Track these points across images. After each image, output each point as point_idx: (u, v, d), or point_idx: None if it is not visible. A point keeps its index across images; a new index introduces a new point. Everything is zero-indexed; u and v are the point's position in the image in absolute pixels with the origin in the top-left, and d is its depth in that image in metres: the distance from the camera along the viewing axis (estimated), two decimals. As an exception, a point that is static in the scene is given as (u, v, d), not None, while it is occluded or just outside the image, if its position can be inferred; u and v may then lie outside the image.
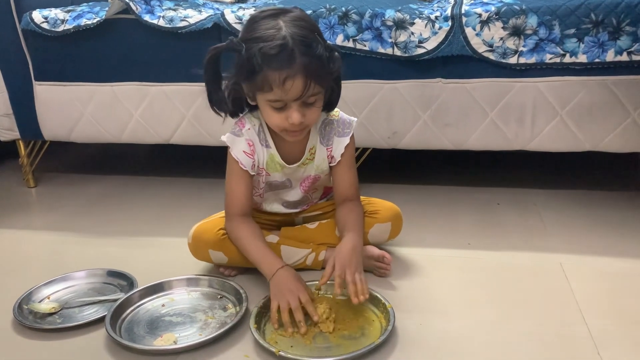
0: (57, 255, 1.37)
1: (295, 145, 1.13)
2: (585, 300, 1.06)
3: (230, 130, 1.14)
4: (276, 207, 1.25)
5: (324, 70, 0.98)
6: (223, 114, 1.11)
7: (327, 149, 1.15)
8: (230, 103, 1.10)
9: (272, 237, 1.18)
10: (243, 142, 1.11)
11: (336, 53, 1.02)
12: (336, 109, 1.16)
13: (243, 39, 0.99)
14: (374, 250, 1.17)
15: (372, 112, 1.52)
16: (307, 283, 1.07)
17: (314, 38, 0.97)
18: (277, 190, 1.21)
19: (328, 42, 1.02)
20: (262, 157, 1.13)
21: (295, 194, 1.22)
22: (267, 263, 1.05)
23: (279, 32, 0.94)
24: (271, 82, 0.95)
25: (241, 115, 1.14)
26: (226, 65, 1.06)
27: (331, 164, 1.17)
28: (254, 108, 1.12)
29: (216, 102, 1.09)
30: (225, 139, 1.13)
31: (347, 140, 1.14)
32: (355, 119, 1.17)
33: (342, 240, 1.07)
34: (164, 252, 1.34)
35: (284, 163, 1.14)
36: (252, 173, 1.13)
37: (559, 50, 1.37)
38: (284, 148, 1.14)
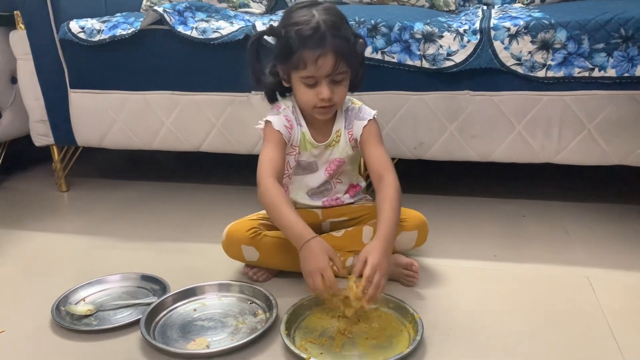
0: (89, 258, 1.41)
1: (324, 125, 1.23)
2: (613, 314, 1.06)
3: (268, 114, 1.23)
4: (301, 196, 1.29)
5: (351, 51, 1.12)
6: (260, 88, 1.24)
7: (348, 132, 1.24)
8: (269, 83, 1.22)
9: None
10: (282, 118, 1.21)
11: (361, 40, 1.17)
12: (359, 101, 1.27)
13: (282, 25, 1.13)
14: (402, 259, 1.19)
15: (399, 122, 1.54)
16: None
17: (342, 24, 1.11)
18: (303, 175, 1.27)
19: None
20: (296, 133, 1.22)
21: (319, 178, 1.27)
22: (297, 232, 1.05)
23: (313, 18, 1.08)
24: (306, 60, 1.08)
25: (276, 102, 1.26)
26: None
27: (354, 147, 1.24)
28: (285, 95, 1.26)
29: (255, 74, 1.21)
30: (265, 119, 1.21)
31: (364, 122, 1.22)
32: (375, 111, 1.25)
33: (374, 238, 1.06)
34: (195, 258, 1.37)
35: (314, 141, 1.23)
36: (286, 140, 1.20)
37: (587, 64, 1.38)
38: (313, 127, 1.24)
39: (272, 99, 1.26)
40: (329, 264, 1.01)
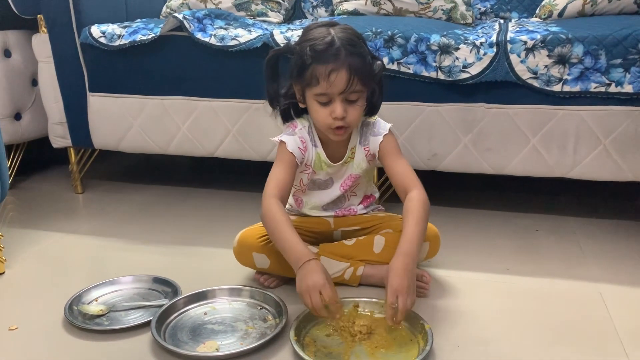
0: (103, 259, 1.43)
1: (339, 145, 1.23)
2: (626, 331, 1.05)
3: (283, 132, 1.22)
4: (314, 209, 1.30)
5: (366, 69, 1.10)
6: (274, 109, 1.24)
7: (364, 148, 1.23)
8: (283, 103, 1.22)
9: (311, 249, 1.21)
10: (297, 139, 1.20)
11: (379, 61, 1.15)
12: (374, 116, 1.24)
13: (298, 42, 1.14)
14: (413, 270, 1.19)
15: (413, 133, 1.55)
16: (345, 299, 1.09)
17: (359, 42, 1.11)
18: (318, 191, 1.28)
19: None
20: (311, 154, 1.21)
21: (334, 193, 1.28)
22: (296, 252, 1.04)
23: (329, 35, 1.09)
24: (318, 75, 1.07)
25: (292, 121, 1.24)
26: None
27: (370, 161, 1.24)
28: (302, 114, 1.24)
29: (271, 96, 1.22)
30: (279, 137, 1.21)
31: (380, 138, 1.21)
32: (390, 124, 1.23)
33: (395, 254, 1.04)
34: (206, 262, 1.38)
35: (329, 161, 1.22)
36: (299, 167, 1.21)
37: (604, 79, 1.37)
38: (329, 148, 1.23)
39: (286, 118, 1.25)
40: (327, 281, 0.99)
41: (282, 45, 1.53)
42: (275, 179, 1.16)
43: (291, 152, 1.18)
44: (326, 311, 0.99)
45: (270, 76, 1.20)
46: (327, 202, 1.29)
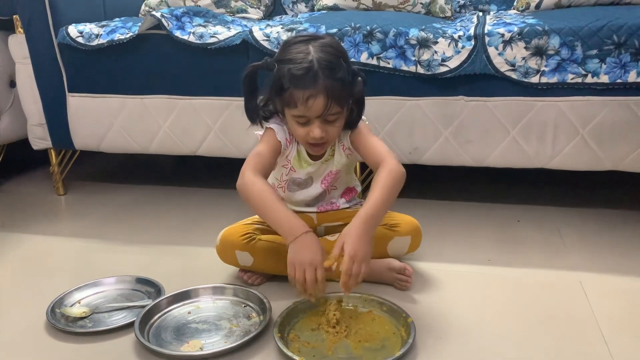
0: (85, 261, 1.42)
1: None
2: (605, 318, 1.07)
3: (270, 121, 1.19)
4: (297, 206, 1.30)
5: (344, 92, 1.07)
6: (254, 123, 1.20)
7: (340, 144, 1.22)
8: (263, 115, 1.19)
9: None
10: (285, 129, 1.18)
11: (360, 78, 1.12)
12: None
13: (276, 59, 1.10)
14: (396, 263, 1.20)
15: (394, 127, 1.55)
16: (329, 294, 1.10)
17: (338, 63, 1.06)
18: (299, 191, 1.27)
19: (354, 67, 1.12)
20: (293, 150, 1.20)
21: (315, 190, 1.27)
22: (289, 223, 1.01)
23: (307, 56, 1.04)
24: (296, 99, 1.05)
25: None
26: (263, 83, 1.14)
27: (349, 155, 1.22)
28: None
29: (250, 111, 1.19)
30: (267, 125, 1.18)
31: (349, 131, 1.18)
32: (365, 118, 1.21)
33: (354, 218, 1.02)
34: (190, 261, 1.38)
35: (309, 159, 1.21)
36: (281, 155, 1.19)
37: (580, 70, 1.39)
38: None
39: (267, 120, 1.20)
40: (323, 260, 0.98)
41: (261, 42, 1.53)
42: (257, 156, 1.12)
43: (279, 141, 1.16)
44: (312, 289, 0.98)
45: (249, 92, 1.17)
46: (309, 200, 1.29)
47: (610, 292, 1.18)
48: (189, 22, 1.64)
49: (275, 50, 1.51)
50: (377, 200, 1.03)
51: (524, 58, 1.41)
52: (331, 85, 1.03)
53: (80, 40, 1.67)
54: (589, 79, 1.39)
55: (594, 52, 1.37)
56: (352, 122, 1.17)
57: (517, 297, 1.17)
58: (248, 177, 1.08)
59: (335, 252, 0.99)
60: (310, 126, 1.09)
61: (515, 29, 1.40)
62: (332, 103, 1.05)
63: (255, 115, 1.19)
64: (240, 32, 1.58)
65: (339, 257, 0.99)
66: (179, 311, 1.13)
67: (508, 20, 1.50)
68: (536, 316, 1.09)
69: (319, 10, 1.96)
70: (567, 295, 1.17)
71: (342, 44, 1.49)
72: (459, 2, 2.09)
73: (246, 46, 1.56)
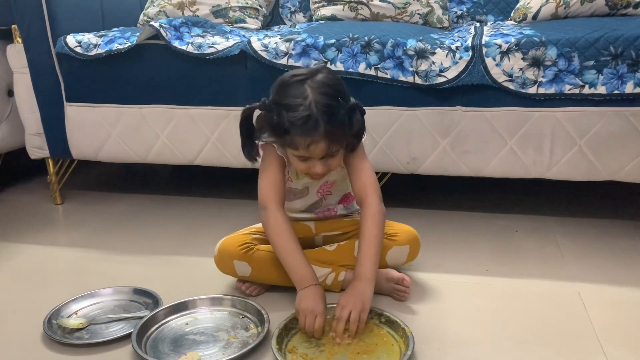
0: (82, 271, 1.41)
1: None
2: (603, 329, 1.07)
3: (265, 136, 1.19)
4: (294, 213, 1.31)
5: (344, 132, 1.08)
6: (253, 161, 1.21)
7: None
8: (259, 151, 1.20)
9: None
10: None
11: (358, 112, 1.10)
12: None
13: (274, 101, 1.08)
14: (394, 273, 1.20)
15: (392, 138, 1.55)
16: (327, 305, 1.10)
17: (337, 105, 1.05)
18: (295, 200, 1.28)
19: (352, 101, 1.10)
20: (291, 166, 1.20)
21: (311, 199, 1.28)
22: (302, 272, 1.10)
23: (305, 101, 1.03)
24: (297, 144, 1.06)
25: None
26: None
27: (344, 167, 1.22)
28: None
29: (249, 152, 1.19)
30: (264, 139, 1.17)
31: None
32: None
33: (353, 279, 1.11)
34: (187, 271, 1.38)
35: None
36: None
37: (578, 81, 1.40)
38: None
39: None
40: (324, 311, 1.05)
41: (259, 52, 1.53)
42: (271, 182, 1.17)
43: (281, 155, 1.17)
44: (310, 333, 1.05)
45: (246, 133, 1.17)
46: (307, 206, 1.30)
47: (609, 302, 1.18)
48: (188, 32, 1.65)
49: (274, 61, 1.53)
50: (368, 256, 1.11)
51: (521, 69, 1.42)
52: (332, 130, 1.03)
53: (78, 50, 1.67)
54: (586, 90, 1.40)
55: (591, 63, 1.38)
56: (352, 146, 1.16)
57: (515, 308, 1.17)
58: (272, 213, 1.14)
59: (341, 324, 1.05)
60: (311, 162, 1.10)
61: (513, 39, 1.41)
62: (334, 145, 1.06)
63: (255, 153, 1.20)
64: (238, 42, 1.58)
65: (344, 329, 1.05)
66: (177, 322, 1.12)
67: (505, 31, 1.51)
68: (534, 327, 1.09)
69: (317, 20, 1.96)
70: (565, 306, 1.17)
71: (340, 55, 1.50)
72: (456, 12, 2.10)
73: (244, 56, 1.56)
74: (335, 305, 1.08)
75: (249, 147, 1.19)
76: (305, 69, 1.11)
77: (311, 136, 1.03)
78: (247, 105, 1.14)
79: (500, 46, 1.42)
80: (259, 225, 1.25)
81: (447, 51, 1.45)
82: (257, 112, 1.15)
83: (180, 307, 1.15)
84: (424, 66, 1.46)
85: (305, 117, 1.02)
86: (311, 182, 1.24)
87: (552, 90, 1.42)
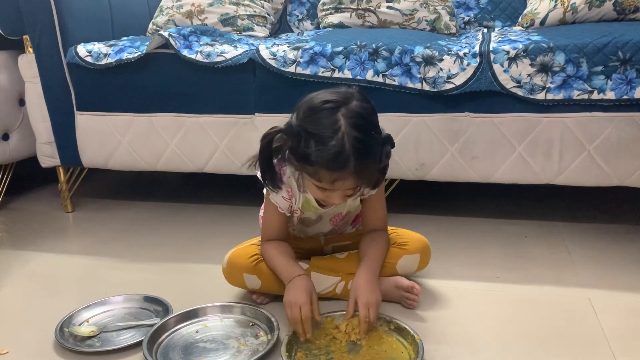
0: (93, 279, 1.42)
1: None
2: (614, 336, 1.06)
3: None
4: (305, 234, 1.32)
5: (374, 171, 1.02)
6: (277, 190, 1.14)
7: None
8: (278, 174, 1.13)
9: (302, 265, 1.21)
10: (283, 190, 1.15)
11: (389, 145, 1.03)
12: None
13: (302, 126, 0.99)
14: (404, 281, 1.19)
15: (400, 144, 1.55)
16: (336, 313, 1.10)
17: (371, 140, 0.98)
18: (308, 227, 1.28)
19: (383, 132, 1.02)
20: (299, 200, 1.18)
21: (325, 227, 1.28)
22: (287, 270, 1.13)
23: (337, 133, 0.95)
24: (321, 177, 0.99)
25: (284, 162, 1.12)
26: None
27: (362, 197, 1.21)
28: None
29: (271, 180, 1.11)
30: (265, 188, 1.18)
31: (374, 191, 1.17)
32: None
33: (357, 273, 1.13)
34: (197, 278, 1.38)
35: (319, 207, 1.19)
36: (287, 214, 1.20)
37: (586, 87, 1.39)
38: None
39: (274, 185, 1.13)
40: (308, 300, 1.05)
41: (267, 60, 1.54)
42: (269, 227, 1.21)
43: (283, 212, 1.18)
44: (300, 327, 1.04)
45: (266, 163, 1.08)
46: (319, 232, 1.30)
47: (620, 309, 1.17)
48: (196, 41, 1.66)
49: (282, 69, 1.54)
50: (370, 268, 1.13)
51: (529, 75, 1.42)
52: (361, 168, 0.96)
53: (89, 59, 1.69)
54: (595, 96, 1.39)
55: (600, 68, 1.38)
56: (375, 184, 1.10)
57: (526, 314, 1.16)
58: (263, 247, 1.21)
59: (350, 310, 1.09)
60: (332, 193, 1.03)
61: (521, 45, 1.41)
62: (361, 183, 1.00)
63: (278, 181, 1.12)
64: (247, 50, 1.59)
65: (352, 313, 1.09)
66: (187, 330, 1.13)
67: (513, 37, 1.51)
68: (545, 334, 1.08)
69: (324, 27, 1.97)
70: (575, 312, 1.16)
71: (348, 63, 1.50)
72: (463, 18, 2.10)
73: (253, 64, 1.57)
74: (344, 312, 1.09)
75: (271, 175, 1.10)
76: (336, 93, 1.00)
77: (339, 172, 0.96)
78: (269, 130, 1.05)
79: (508, 52, 1.42)
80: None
81: (454, 58, 1.45)
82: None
83: (190, 315, 1.16)
84: (431, 73, 1.47)
85: (336, 152, 0.94)
86: (325, 212, 1.22)
87: (560, 96, 1.41)
